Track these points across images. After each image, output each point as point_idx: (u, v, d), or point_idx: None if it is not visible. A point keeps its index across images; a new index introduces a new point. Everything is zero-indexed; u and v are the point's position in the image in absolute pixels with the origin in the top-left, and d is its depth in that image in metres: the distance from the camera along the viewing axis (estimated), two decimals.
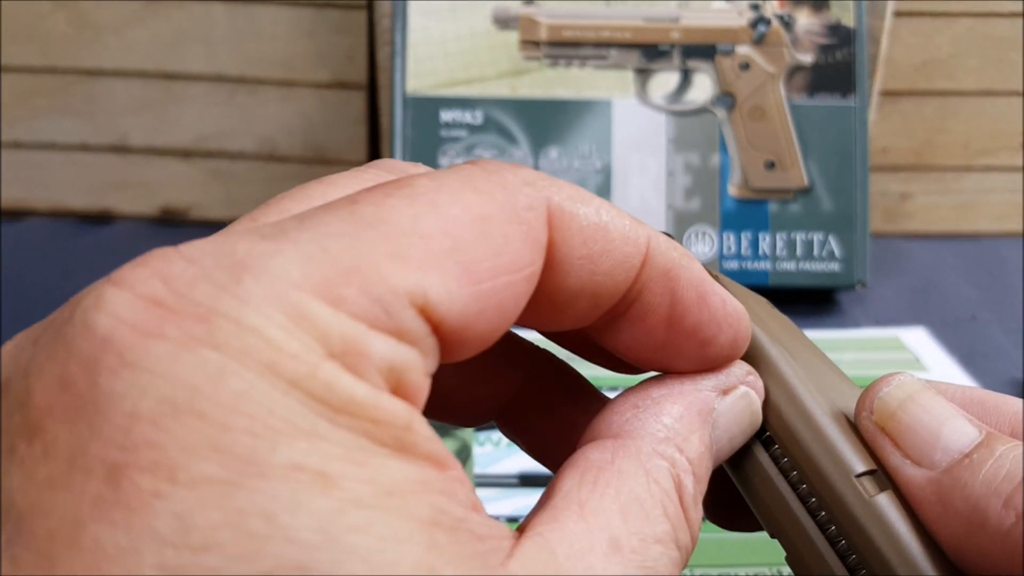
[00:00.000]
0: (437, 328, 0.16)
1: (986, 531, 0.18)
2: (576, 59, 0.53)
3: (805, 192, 0.53)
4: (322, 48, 0.58)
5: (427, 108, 0.52)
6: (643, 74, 0.53)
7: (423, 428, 0.15)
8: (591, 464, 0.18)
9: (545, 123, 0.52)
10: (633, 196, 0.52)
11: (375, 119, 0.59)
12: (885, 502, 0.19)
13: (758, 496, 0.21)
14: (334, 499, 0.13)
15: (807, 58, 0.53)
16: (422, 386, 0.16)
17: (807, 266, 0.53)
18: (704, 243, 0.53)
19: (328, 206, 0.16)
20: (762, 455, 0.21)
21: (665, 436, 0.19)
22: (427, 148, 0.52)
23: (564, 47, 0.53)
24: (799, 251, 0.53)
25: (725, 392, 0.20)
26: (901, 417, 0.20)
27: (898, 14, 0.56)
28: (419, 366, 0.16)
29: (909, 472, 0.20)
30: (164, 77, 0.59)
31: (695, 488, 0.19)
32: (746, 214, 0.53)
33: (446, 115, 0.52)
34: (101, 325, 0.14)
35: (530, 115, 0.52)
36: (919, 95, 0.59)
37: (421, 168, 0.19)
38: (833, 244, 0.53)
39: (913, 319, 0.52)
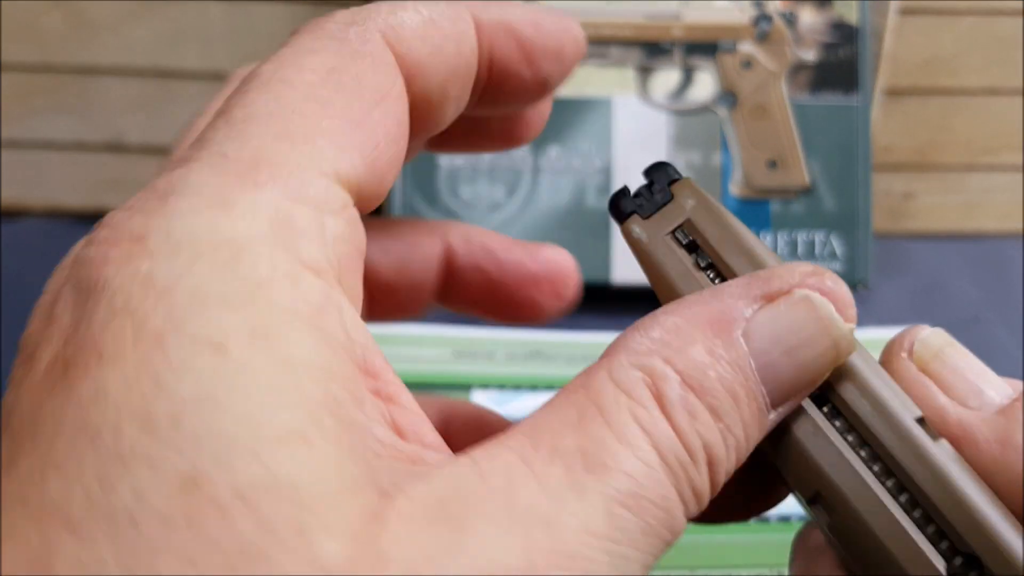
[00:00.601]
0: (358, 197, 0.18)
1: None
2: None
3: (807, 191, 0.53)
4: None
5: None
6: (644, 72, 0.53)
7: (347, 319, 0.16)
8: (560, 391, 0.17)
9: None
10: None
11: None
12: (947, 446, 0.18)
13: (796, 445, 0.18)
14: (226, 362, 0.15)
15: (810, 56, 0.53)
16: (353, 263, 0.17)
17: None
18: None
19: (211, 123, 0.18)
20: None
21: (647, 349, 0.17)
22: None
23: None
24: (801, 251, 0.52)
25: (768, 298, 0.17)
26: (946, 360, 0.19)
27: (902, 12, 0.56)
28: (345, 236, 0.17)
29: (961, 413, 0.18)
30: (161, 75, 0.58)
31: (687, 398, 0.16)
32: (748, 213, 0.52)
33: None
34: (75, 266, 0.17)
35: None
36: (923, 93, 0.58)
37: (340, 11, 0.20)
38: (835, 244, 0.53)
39: (916, 319, 0.51)
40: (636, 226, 0.22)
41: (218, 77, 0.58)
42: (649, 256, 0.21)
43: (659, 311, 0.18)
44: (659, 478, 0.16)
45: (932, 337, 0.19)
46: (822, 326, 0.17)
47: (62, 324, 0.16)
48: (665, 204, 0.22)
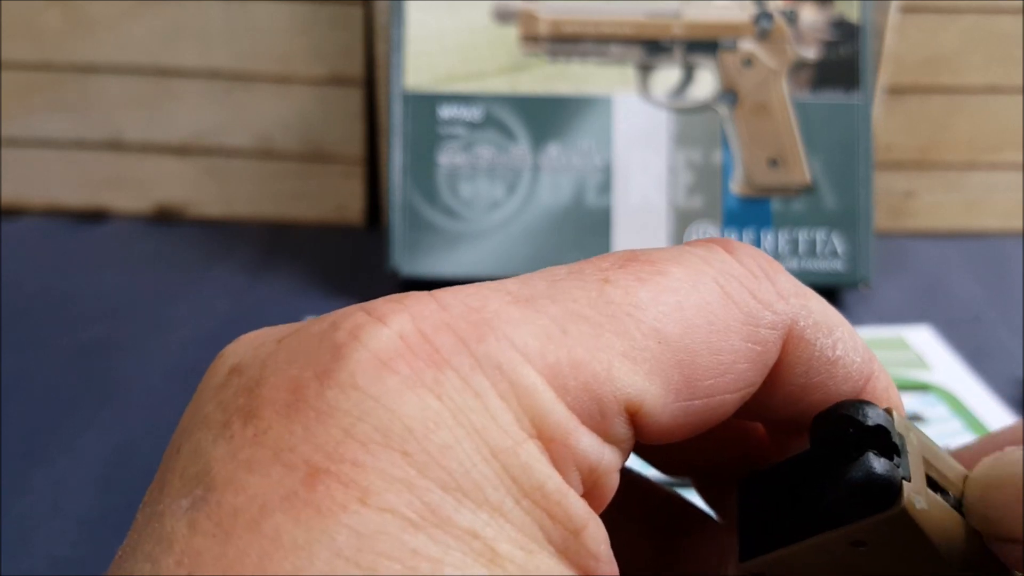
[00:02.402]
0: (641, 431, 0.16)
1: None
2: (576, 55, 0.52)
3: (808, 190, 0.52)
4: (318, 43, 0.57)
5: (426, 104, 0.52)
6: (645, 70, 0.52)
7: (595, 541, 0.15)
8: None
9: (545, 119, 0.52)
10: (634, 194, 0.52)
11: (372, 115, 0.58)
12: None
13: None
14: (493, 574, 0.14)
15: (811, 54, 0.53)
16: (614, 484, 0.16)
17: (810, 264, 0.52)
18: None
19: (580, 276, 0.16)
20: None
21: None
22: (426, 145, 0.52)
23: (564, 42, 0.52)
24: (802, 249, 0.52)
25: None
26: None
27: (903, 10, 0.56)
28: (616, 465, 0.16)
29: None
30: (159, 73, 0.58)
31: None
32: (749, 212, 0.52)
33: (445, 111, 0.52)
34: (345, 346, 0.15)
35: (530, 111, 0.52)
36: (924, 92, 0.58)
37: (779, 270, 0.18)
38: (836, 242, 0.52)
39: (917, 318, 0.51)
40: (916, 496, 0.16)
41: (217, 75, 0.58)
42: (931, 524, 0.16)
43: None
44: None
45: None
46: None
47: (306, 405, 0.14)
48: (906, 451, 0.17)
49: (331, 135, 0.59)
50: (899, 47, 0.57)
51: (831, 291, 0.54)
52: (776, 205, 0.52)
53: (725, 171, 0.52)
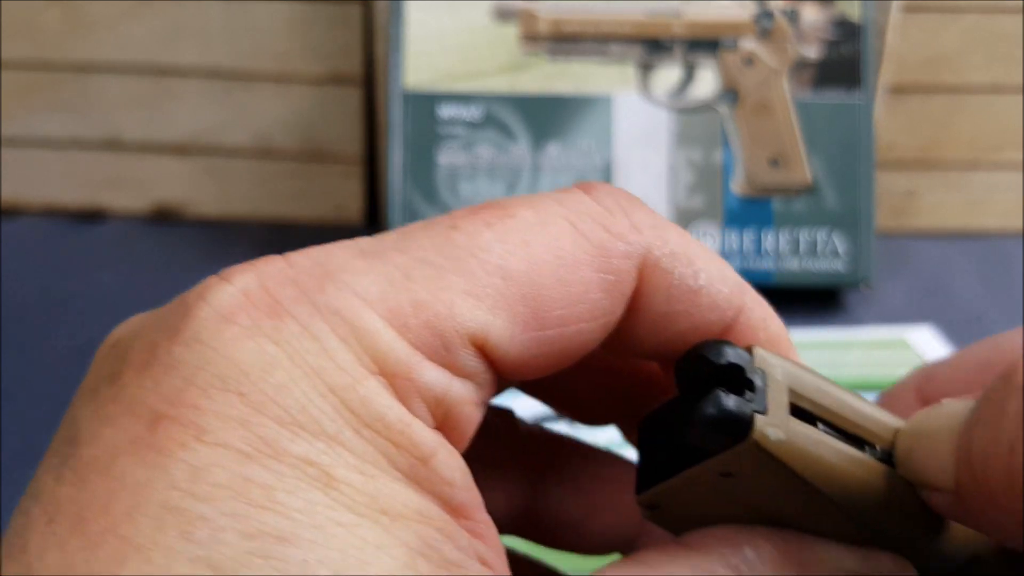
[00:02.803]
0: (494, 364, 0.17)
1: None
2: (577, 54, 0.52)
3: (809, 189, 0.52)
4: (318, 43, 0.57)
5: (425, 104, 0.52)
6: (645, 69, 0.52)
7: (448, 468, 0.16)
8: (640, 561, 0.18)
9: (545, 119, 0.52)
10: (635, 193, 0.52)
11: (372, 114, 0.58)
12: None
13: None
14: (330, 496, 0.15)
15: (812, 53, 0.52)
16: (471, 417, 0.17)
17: (812, 264, 0.52)
18: (707, 241, 0.52)
19: (429, 226, 0.17)
20: None
21: (736, 565, 0.18)
22: (425, 144, 0.52)
23: (564, 42, 0.52)
24: (803, 249, 0.52)
25: None
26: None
27: (904, 9, 0.56)
28: (471, 398, 0.17)
29: None
30: (158, 72, 0.58)
31: None
32: (750, 211, 0.52)
33: (444, 111, 0.52)
34: (192, 306, 0.16)
35: (530, 110, 0.52)
36: (925, 91, 0.58)
37: (639, 207, 0.19)
38: (838, 242, 0.52)
39: (919, 318, 0.51)
40: (770, 427, 0.17)
41: (216, 74, 0.58)
42: (796, 454, 0.17)
43: (756, 529, 0.18)
44: None
45: None
46: None
47: (158, 362, 0.16)
48: (766, 385, 0.17)
49: (330, 134, 0.59)
50: (901, 46, 0.56)
51: (832, 291, 0.53)
52: (777, 205, 0.52)
53: (726, 171, 0.52)
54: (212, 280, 0.17)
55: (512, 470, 0.23)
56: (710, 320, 0.19)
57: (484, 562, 0.16)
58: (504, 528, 0.23)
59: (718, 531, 0.18)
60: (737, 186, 0.52)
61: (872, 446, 0.18)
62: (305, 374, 0.15)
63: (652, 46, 0.52)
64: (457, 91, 0.52)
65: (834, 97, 0.53)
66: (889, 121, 0.58)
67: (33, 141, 0.59)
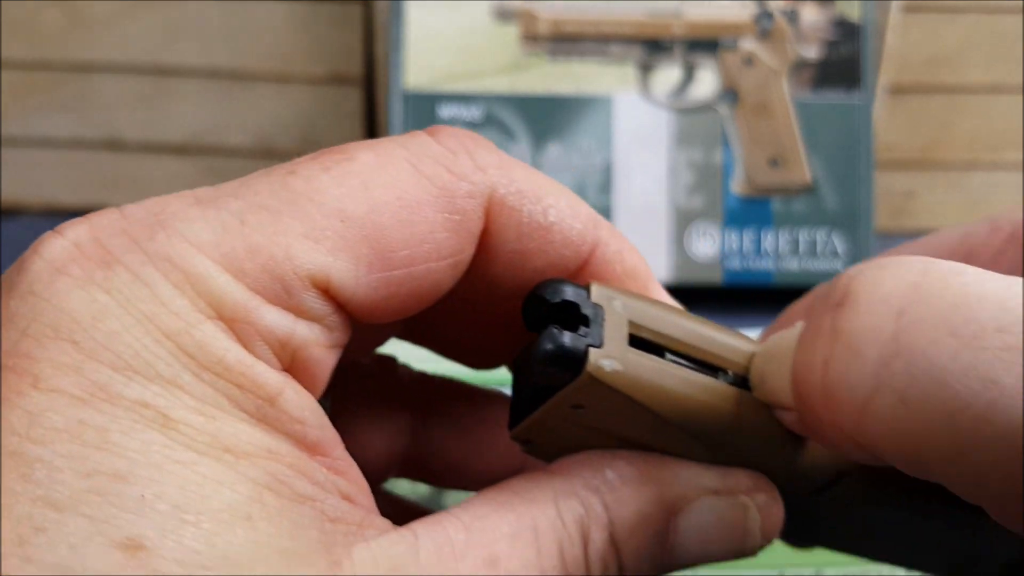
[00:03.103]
0: (343, 307, 0.17)
1: None
2: (577, 54, 0.52)
3: (809, 189, 0.52)
4: (318, 42, 0.57)
5: (425, 104, 0.52)
6: (645, 69, 0.52)
7: (296, 407, 0.16)
8: (507, 487, 0.18)
9: (545, 119, 0.52)
10: (635, 193, 0.52)
11: (372, 114, 0.58)
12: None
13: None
14: (168, 437, 0.15)
15: (812, 53, 0.52)
16: (323, 359, 0.17)
17: (811, 264, 0.52)
18: (707, 241, 0.52)
19: (268, 173, 0.18)
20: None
21: (597, 487, 0.18)
22: None
23: (565, 42, 0.52)
24: (803, 249, 0.52)
25: (717, 493, 0.19)
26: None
27: (904, 9, 0.56)
28: (320, 340, 0.17)
29: None
30: (158, 72, 0.58)
31: (607, 552, 0.18)
32: (749, 211, 0.52)
33: (445, 111, 0.52)
34: (27, 260, 0.16)
35: (530, 111, 0.52)
36: (925, 91, 0.58)
37: (483, 147, 0.19)
38: (837, 242, 0.52)
39: None
40: (605, 360, 0.17)
41: (216, 74, 0.58)
42: (634, 383, 0.18)
43: (618, 452, 0.19)
44: None
45: None
46: (741, 535, 0.19)
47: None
48: (603, 320, 0.18)
49: (330, 134, 0.59)
50: (900, 46, 0.56)
51: None
52: (777, 205, 0.52)
53: (726, 171, 0.52)
54: (47, 235, 0.17)
55: (394, 414, 0.23)
56: (565, 256, 0.19)
57: (347, 497, 0.17)
58: (392, 471, 0.23)
59: (581, 456, 0.19)
60: (737, 186, 0.52)
61: (726, 372, 0.19)
62: (137, 320, 0.16)
63: (652, 46, 0.52)
64: (457, 91, 0.52)
65: (834, 97, 0.53)
66: (889, 121, 0.58)
67: (33, 141, 0.59)
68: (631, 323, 0.18)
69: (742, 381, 0.19)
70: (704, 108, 0.52)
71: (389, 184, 0.17)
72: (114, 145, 0.59)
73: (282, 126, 0.58)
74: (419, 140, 0.18)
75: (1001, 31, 0.57)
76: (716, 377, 0.19)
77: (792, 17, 0.52)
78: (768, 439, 0.19)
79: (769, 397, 0.18)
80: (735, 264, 0.52)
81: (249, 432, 0.16)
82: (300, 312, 0.17)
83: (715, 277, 0.52)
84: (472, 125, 0.52)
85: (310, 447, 0.17)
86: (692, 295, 0.53)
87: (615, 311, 0.18)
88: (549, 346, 0.17)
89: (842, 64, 0.53)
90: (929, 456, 0.16)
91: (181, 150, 0.59)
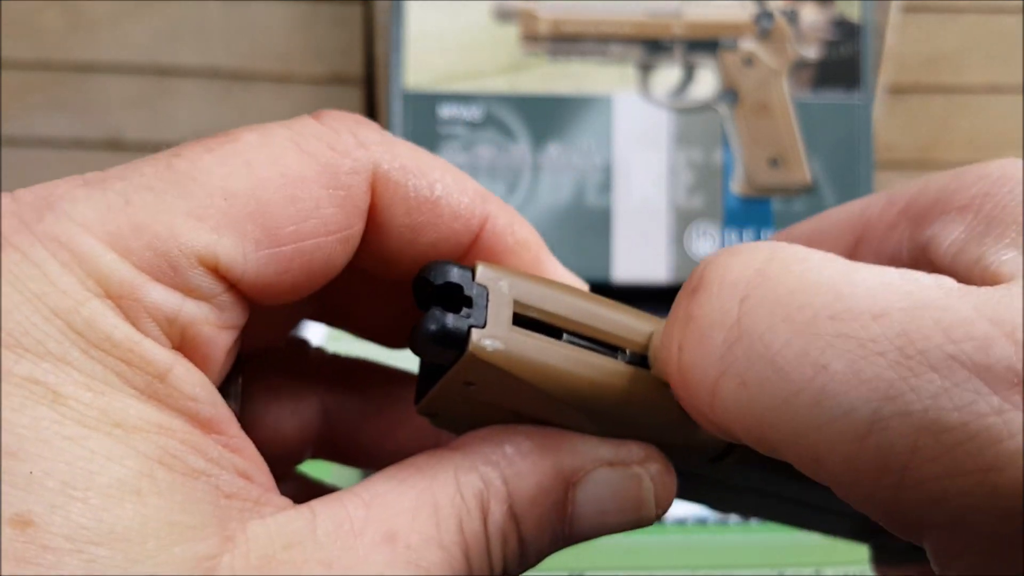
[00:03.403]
0: (235, 286, 0.17)
1: None
2: (577, 54, 0.52)
3: (809, 189, 0.52)
4: (318, 42, 0.57)
5: (425, 103, 0.52)
6: (645, 69, 0.52)
7: (187, 384, 0.17)
8: (409, 464, 0.19)
9: (545, 119, 0.52)
10: (635, 193, 0.52)
11: (372, 114, 0.58)
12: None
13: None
14: (57, 412, 0.15)
15: (811, 53, 0.53)
16: (215, 338, 0.17)
17: None
18: (706, 241, 0.52)
19: (154, 157, 0.18)
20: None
21: (496, 461, 0.19)
22: (426, 144, 0.52)
23: (564, 42, 0.52)
24: None
25: (612, 464, 0.19)
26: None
27: (904, 9, 0.56)
28: (211, 320, 0.17)
29: None
30: (159, 72, 0.58)
31: (507, 524, 0.18)
32: (749, 211, 0.52)
33: (445, 111, 0.52)
34: None
35: (530, 110, 0.52)
36: (925, 91, 0.58)
37: (366, 126, 0.19)
38: None
39: None
40: (487, 339, 0.18)
41: (216, 74, 0.58)
42: (517, 361, 0.18)
43: (518, 426, 0.19)
44: (458, 573, 0.18)
45: None
46: (637, 505, 0.20)
47: None
48: (487, 301, 0.18)
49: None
50: (900, 46, 0.57)
51: None
52: (777, 205, 0.52)
53: (726, 171, 0.52)
54: None
55: (307, 396, 0.23)
56: (456, 230, 0.19)
57: (243, 474, 0.17)
58: (306, 452, 0.24)
59: (483, 432, 0.19)
60: (737, 186, 0.52)
61: (623, 351, 0.19)
62: (27, 299, 0.16)
63: (652, 46, 0.52)
64: (457, 91, 0.52)
65: (833, 97, 0.53)
66: (888, 121, 0.58)
67: (33, 141, 0.59)
68: (517, 303, 0.18)
69: (640, 359, 0.19)
70: (704, 108, 0.52)
71: (272, 162, 0.18)
72: (114, 145, 0.59)
73: None
74: (302, 122, 0.19)
75: (1000, 31, 0.57)
76: (614, 356, 0.19)
77: (792, 17, 0.52)
78: (658, 414, 0.19)
79: (659, 375, 0.19)
80: None
81: (139, 407, 0.16)
82: (188, 290, 0.17)
83: None
84: (472, 124, 0.52)
85: (203, 424, 0.17)
86: None
87: (500, 291, 0.18)
88: (432, 327, 0.18)
89: (842, 64, 0.53)
90: (772, 437, 0.16)
91: None
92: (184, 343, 0.17)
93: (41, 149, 0.60)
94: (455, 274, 0.18)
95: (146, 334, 0.16)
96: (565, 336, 0.19)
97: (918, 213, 0.20)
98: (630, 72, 0.52)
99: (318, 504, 0.17)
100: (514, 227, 0.20)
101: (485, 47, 0.52)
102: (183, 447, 0.16)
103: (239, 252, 0.17)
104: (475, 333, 0.18)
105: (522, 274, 0.19)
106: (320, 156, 0.18)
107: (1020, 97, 0.58)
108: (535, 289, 0.19)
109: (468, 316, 0.18)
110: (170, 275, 0.17)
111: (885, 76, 0.56)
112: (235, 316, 0.18)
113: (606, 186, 0.52)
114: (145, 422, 0.16)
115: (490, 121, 0.52)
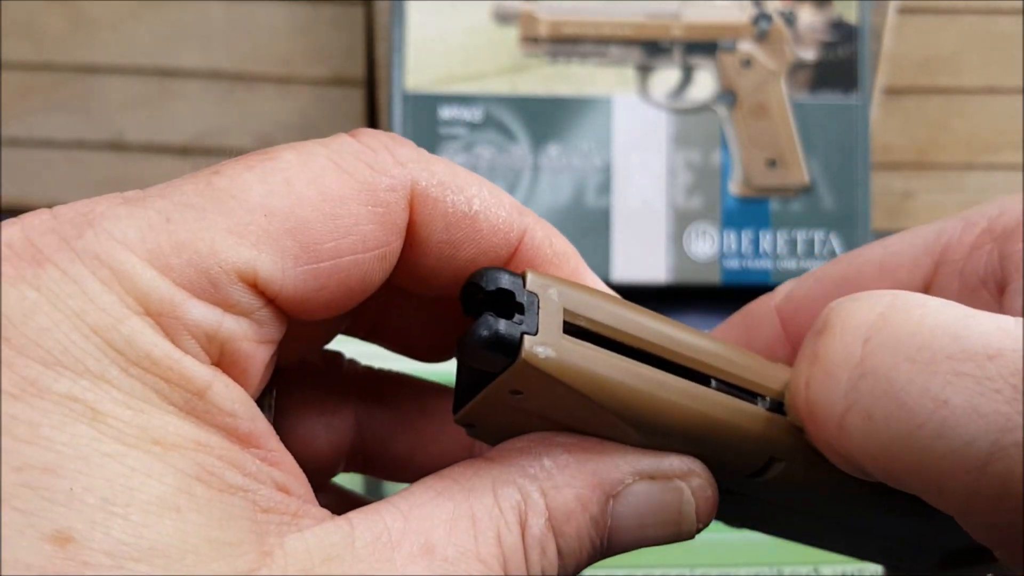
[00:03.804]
0: (273, 301, 0.17)
1: None
2: (576, 55, 0.52)
3: (807, 190, 0.53)
4: (320, 44, 0.57)
5: (426, 105, 0.52)
6: (644, 71, 0.53)
7: (226, 400, 0.17)
8: (446, 475, 0.19)
9: (545, 120, 0.52)
10: (634, 194, 0.52)
11: (373, 116, 0.59)
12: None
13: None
14: (97, 430, 0.15)
15: (809, 55, 0.53)
16: (253, 354, 0.17)
17: (809, 265, 0.52)
18: (705, 242, 0.52)
19: (194, 174, 0.18)
20: None
21: (534, 474, 0.19)
22: (426, 145, 0.52)
23: (564, 43, 0.52)
24: (800, 250, 0.52)
25: (652, 477, 0.20)
26: None
27: (901, 11, 0.56)
28: (249, 335, 0.17)
29: None
30: (161, 74, 0.58)
31: (545, 537, 0.18)
32: (747, 212, 0.53)
33: (445, 112, 0.52)
34: None
35: (530, 112, 0.52)
36: (922, 92, 0.58)
37: (403, 144, 0.20)
38: (835, 242, 0.53)
39: None
40: (539, 347, 0.18)
41: (218, 76, 0.58)
42: (568, 370, 0.18)
43: (556, 437, 0.19)
44: None
45: None
46: (677, 519, 0.20)
47: None
48: (538, 309, 0.18)
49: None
50: (897, 48, 0.57)
51: None
52: (775, 205, 0.53)
53: (724, 172, 0.53)
54: None
55: (340, 409, 0.23)
56: (495, 244, 0.20)
57: (281, 487, 0.17)
58: (339, 465, 0.24)
59: (520, 443, 0.19)
60: (735, 187, 0.53)
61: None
62: (67, 317, 0.16)
63: (651, 48, 0.52)
64: (458, 92, 0.52)
65: (831, 98, 0.53)
66: (885, 122, 0.58)
67: (35, 142, 0.60)
68: (566, 311, 0.18)
69: (700, 377, 0.19)
70: (702, 109, 0.53)
71: (311, 180, 0.18)
72: (117, 146, 0.59)
73: (284, 127, 0.59)
74: (340, 140, 0.19)
75: (997, 33, 0.57)
76: (667, 370, 0.19)
77: (790, 19, 0.53)
78: (703, 426, 0.19)
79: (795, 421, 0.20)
80: (733, 264, 0.52)
81: (177, 424, 0.16)
82: (228, 306, 0.17)
83: (713, 277, 0.52)
84: (472, 126, 0.52)
85: (242, 439, 0.17)
86: (690, 295, 0.53)
87: (550, 299, 0.18)
88: (484, 333, 0.17)
89: (839, 66, 0.53)
90: (897, 467, 0.17)
91: (183, 151, 0.59)
92: (223, 358, 0.17)
93: (43, 150, 0.60)
94: (507, 280, 0.18)
95: (186, 351, 0.17)
96: (602, 344, 0.19)
97: (1004, 232, 0.21)
98: (629, 74, 0.52)
99: (356, 516, 0.17)
100: (552, 240, 0.21)
101: (485, 49, 0.52)
102: (220, 463, 0.16)
103: (278, 268, 0.17)
104: (527, 340, 0.17)
105: (571, 283, 0.19)
106: (358, 174, 0.18)
107: (1018, 98, 0.58)
108: (584, 298, 0.19)
109: (520, 323, 0.18)
110: (210, 291, 0.17)
111: (882, 77, 0.57)
112: (273, 331, 0.18)
113: (605, 187, 0.52)
114: (183, 439, 0.16)
115: (490, 122, 0.52)
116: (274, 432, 0.18)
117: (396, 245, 0.19)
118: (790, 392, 0.19)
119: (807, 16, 0.53)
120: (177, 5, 0.57)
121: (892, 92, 0.58)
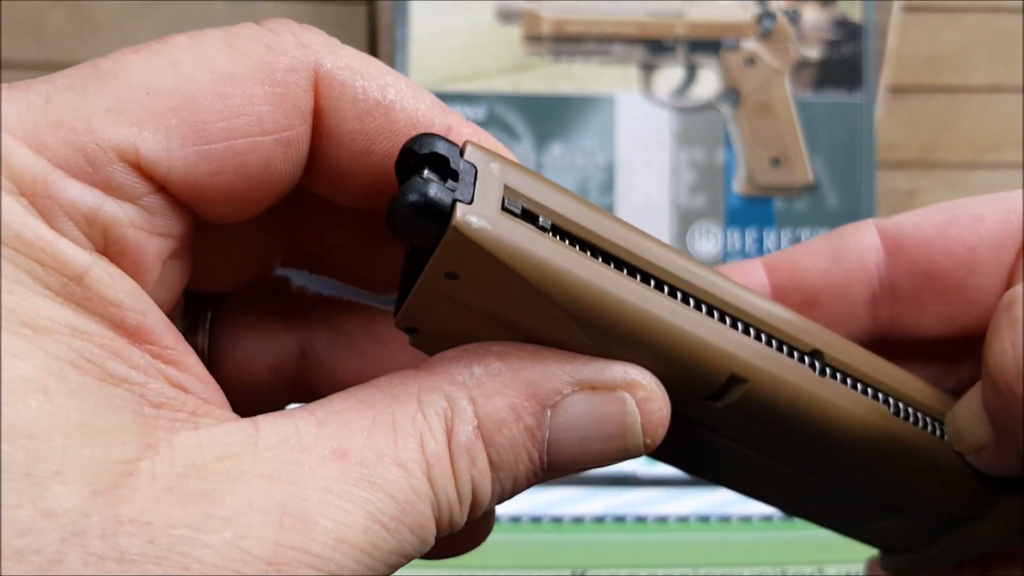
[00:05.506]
0: (164, 187, 0.16)
1: None
2: (579, 54, 0.52)
3: (811, 189, 0.52)
4: None
5: None
6: (647, 69, 0.53)
7: (109, 288, 0.16)
8: (372, 384, 0.17)
9: (548, 119, 0.52)
10: (637, 193, 0.52)
11: None
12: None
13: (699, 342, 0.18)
14: None
15: (813, 53, 0.53)
16: (143, 243, 0.17)
17: None
18: (709, 240, 0.52)
19: (86, 63, 0.17)
20: None
21: (463, 382, 0.17)
22: None
23: (567, 42, 0.52)
24: None
25: (593, 388, 0.18)
26: None
27: (905, 9, 0.56)
28: (137, 222, 0.16)
29: None
30: None
31: (474, 445, 0.17)
32: (751, 211, 0.52)
33: None
34: None
35: (533, 110, 0.52)
36: (926, 91, 0.58)
37: (310, 30, 0.19)
38: None
39: None
40: (472, 216, 0.16)
41: None
42: (505, 247, 0.16)
43: (491, 346, 0.18)
44: (423, 510, 0.16)
45: None
46: (621, 431, 0.18)
47: None
48: (475, 180, 0.17)
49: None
50: (901, 46, 0.57)
51: None
52: (778, 204, 0.52)
53: (727, 170, 0.52)
54: None
55: (282, 333, 0.22)
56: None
57: (176, 384, 0.16)
58: (282, 391, 0.22)
59: (453, 352, 0.18)
60: (739, 185, 0.52)
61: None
62: None
63: (654, 46, 0.52)
64: (461, 91, 0.52)
65: (835, 97, 0.53)
66: (890, 121, 0.58)
67: None
68: (507, 188, 0.17)
69: (636, 273, 0.18)
70: (706, 108, 0.53)
71: (200, 60, 0.17)
72: None
73: None
74: (241, 25, 0.18)
75: (1002, 31, 0.57)
76: (607, 264, 0.18)
77: (794, 17, 0.53)
78: (658, 331, 0.18)
79: (962, 447, 0.20)
80: None
81: (51, 308, 0.15)
82: (109, 188, 0.16)
83: None
84: (475, 124, 0.52)
85: (130, 331, 0.16)
86: None
87: (490, 172, 0.17)
88: (412, 197, 0.16)
89: (843, 64, 0.53)
90: None
91: None
92: (109, 246, 0.16)
93: None
94: (442, 146, 0.17)
95: (61, 233, 0.16)
96: (543, 226, 0.17)
97: None
98: (632, 72, 0.52)
99: (263, 419, 0.16)
100: (480, 139, 0.19)
101: (488, 48, 0.52)
102: (101, 351, 0.16)
103: (163, 147, 0.16)
104: (460, 208, 0.16)
105: (517, 164, 0.18)
106: (255, 54, 0.17)
107: (1021, 96, 0.58)
108: (529, 180, 0.17)
109: (453, 190, 0.16)
110: (88, 172, 0.16)
111: (886, 76, 0.57)
112: (169, 223, 0.17)
113: (608, 186, 0.52)
114: (57, 324, 0.15)
115: (493, 121, 0.52)
116: (175, 331, 0.17)
117: (301, 131, 0.17)
118: (994, 357, 0.19)
119: (811, 14, 0.53)
120: (179, 4, 0.57)
121: (896, 90, 0.58)
